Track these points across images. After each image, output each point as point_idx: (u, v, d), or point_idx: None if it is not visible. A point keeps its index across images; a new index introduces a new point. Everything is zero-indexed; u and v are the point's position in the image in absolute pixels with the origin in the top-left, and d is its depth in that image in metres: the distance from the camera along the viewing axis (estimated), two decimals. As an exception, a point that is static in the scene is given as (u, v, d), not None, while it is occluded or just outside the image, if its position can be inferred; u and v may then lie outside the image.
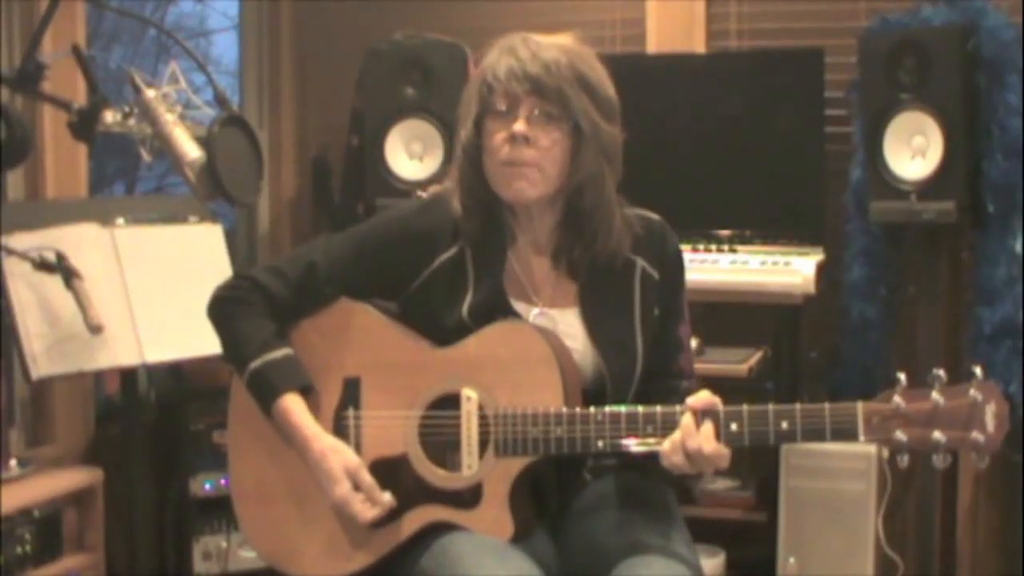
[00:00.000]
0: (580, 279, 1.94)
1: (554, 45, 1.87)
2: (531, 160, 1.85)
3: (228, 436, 2.05)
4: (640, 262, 1.96)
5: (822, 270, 3.17)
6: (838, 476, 3.02)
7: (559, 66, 1.83)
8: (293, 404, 1.92)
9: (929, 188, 2.95)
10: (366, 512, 1.87)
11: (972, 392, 1.70)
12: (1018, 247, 3.02)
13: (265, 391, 1.93)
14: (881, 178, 3.02)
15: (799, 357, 3.34)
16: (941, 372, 1.72)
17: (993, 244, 3.06)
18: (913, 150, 2.98)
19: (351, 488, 1.87)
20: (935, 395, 1.70)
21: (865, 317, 3.26)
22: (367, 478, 1.88)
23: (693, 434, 1.75)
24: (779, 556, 3.08)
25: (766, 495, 3.23)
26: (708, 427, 1.75)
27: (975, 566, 3.20)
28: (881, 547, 3.02)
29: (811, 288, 3.10)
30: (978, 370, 1.71)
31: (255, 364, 1.93)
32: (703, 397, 1.79)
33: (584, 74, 1.86)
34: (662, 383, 1.97)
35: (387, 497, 1.87)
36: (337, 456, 1.89)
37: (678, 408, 1.79)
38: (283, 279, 1.97)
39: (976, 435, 1.69)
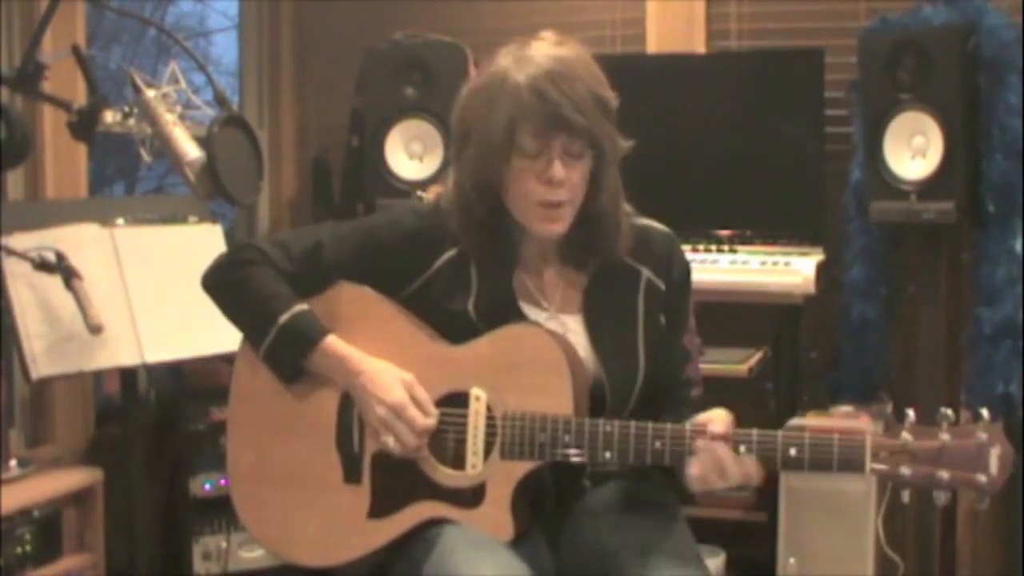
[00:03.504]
0: (587, 279, 1.94)
1: (574, 74, 1.81)
2: (566, 200, 1.85)
3: (229, 417, 2.03)
4: (646, 272, 1.96)
5: (822, 270, 3.17)
6: (838, 476, 3.01)
7: (585, 101, 1.80)
8: (338, 341, 1.92)
9: (929, 188, 2.95)
10: (418, 418, 1.85)
11: (979, 433, 1.71)
12: (1018, 247, 3.01)
13: (303, 336, 1.91)
14: (881, 178, 3.02)
15: (799, 357, 3.34)
16: (949, 411, 1.73)
17: (993, 244, 3.06)
18: (913, 150, 2.98)
19: (409, 397, 1.86)
20: (943, 435, 1.71)
21: (865, 317, 3.26)
22: (422, 392, 1.87)
23: (734, 463, 1.76)
24: (779, 556, 3.07)
25: (766, 495, 3.22)
26: (750, 460, 1.77)
27: (975, 566, 3.20)
28: (881, 547, 3.02)
29: (811, 288, 3.10)
30: (985, 412, 1.72)
31: (285, 317, 1.91)
32: (724, 419, 1.80)
33: (601, 96, 1.84)
34: (671, 393, 1.97)
35: (435, 413, 1.87)
36: (392, 372, 1.89)
37: (687, 425, 1.79)
38: (287, 253, 1.96)
39: (979, 476, 1.70)
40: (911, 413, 1.74)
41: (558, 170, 1.82)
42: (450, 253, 1.93)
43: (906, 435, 1.72)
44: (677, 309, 1.99)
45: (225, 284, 1.99)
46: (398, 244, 1.95)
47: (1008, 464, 1.71)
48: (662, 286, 1.96)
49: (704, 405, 1.90)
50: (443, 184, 2.00)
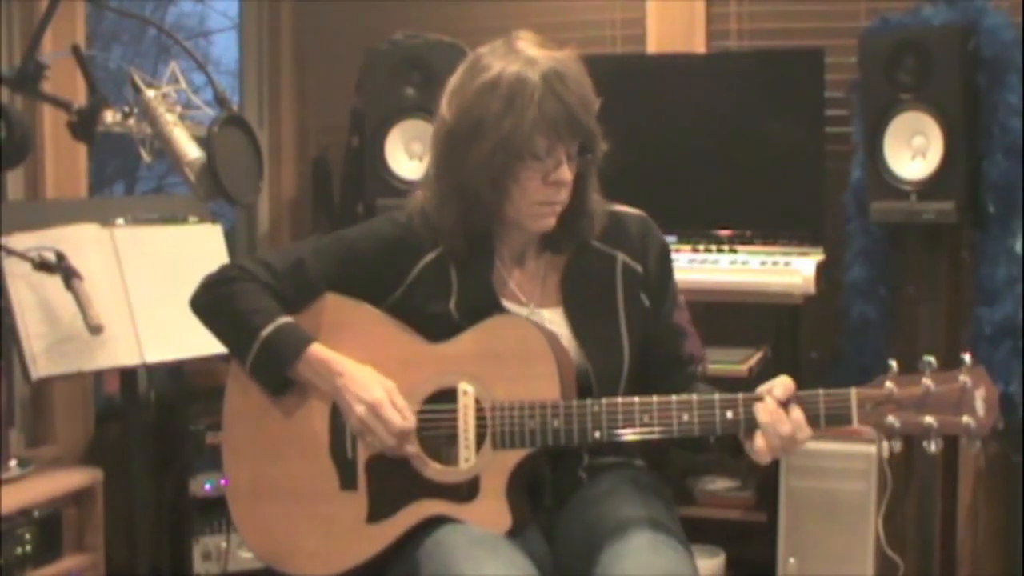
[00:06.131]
0: (563, 269, 1.96)
1: (574, 78, 1.84)
2: (564, 199, 1.89)
3: (223, 435, 2.04)
4: (621, 256, 1.98)
5: (822, 270, 3.17)
6: (838, 476, 3.02)
7: (587, 104, 1.84)
8: (321, 348, 1.93)
9: (929, 188, 2.95)
10: (395, 418, 1.86)
11: (962, 377, 1.73)
12: (1018, 247, 3.02)
13: (287, 347, 1.93)
14: (881, 178, 3.02)
15: (799, 357, 3.34)
16: (932, 359, 1.75)
17: (993, 244, 3.06)
18: (913, 150, 2.99)
19: (388, 398, 1.87)
20: (926, 380, 1.74)
21: (865, 317, 3.26)
22: (401, 399, 1.88)
23: (796, 428, 1.77)
24: (779, 556, 3.08)
25: (766, 495, 3.23)
26: (798, 412, 1.77)
27: (975, 566, 3.20)
28: (881, 547, 3.02)
29: (811, 288, 3.10)
30: (967, 356, 1.74)
31: (268, 330, 1.92)
32: (785, 383, 1.80)
33: (593, 99, 1.87)
34: (676, 373, 1.99)
35: (413, 418, 1.88)
36: (373, 374, 1.90)
37: (674, 398, 1.81)
38: (271, 270, 1.99)
39: (967, 420, 1.72)
40: (894, 364, 1.77)
41: (566, 173, 1.86)
42: (429, 257, 1.95)
43: (889, 384, 1.75)
44: (661, 288, 2.01)
45: (210, 303, 2.01)
46: (378, 254, 1.97)
47: (995, 405, 1.72)
48: (639, 268, 1.98)
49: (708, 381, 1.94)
50: (423, 188, 1.99)
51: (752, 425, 1.78)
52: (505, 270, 1.97)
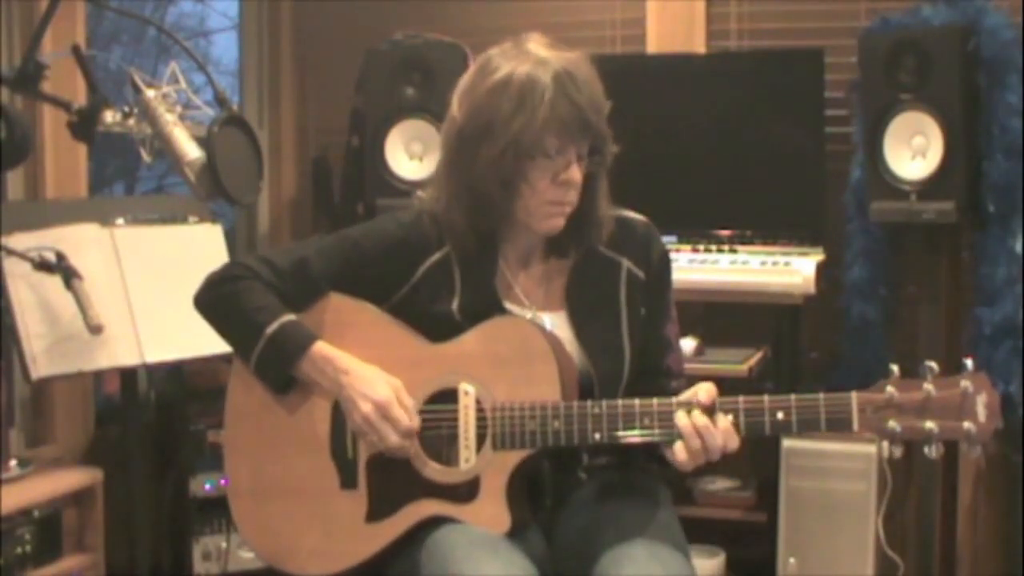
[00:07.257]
0: (568, 273, 1.96)
1: (586, 79, 1.85)
2: (573, 200, 1.89)
3: (225, 433, 2.04)
4: (626, 263, 1.98)
5: (822, 270, 3.17)
6: (838, 476, 3.02)
7: (598, 105, 1.85)
8: (326, 346, 1.92)
9: (929, 188, 2.95)
10: (403, 419, 1.86)
11: (963, 383, 1.72)
12: (1018, 247, 3.02)
13: (292, 345, 1.92)
14: (881, 178, 3.02)
15: (799, 357, 3.34)
16: (933, 364, 1.74)
17: (993, 244, 3.06)
18: (913, 150, 2.99)
19: (396, 397, 1.87)
20: (927, 385, 1.73)
21: (865, 317, 3.26)
22: (408, 398, 1.88)
23: (714, 431, 1.77)
24: (779, 556, 3.08)
25: (766, 495, 3.23)
26: (724, 421, 1.77)
27: (975, 566, 3.20)
28: (881, 547, 3.02)
29: (811, 288, 3.11)
30: (969, 361, 1.74)
31: (273, 327, 1.92)
32: (708, 389, 1.81)
33: (604, 101, 1.88)
34: (651, 382, 1.98)
35: (417, 419, 1.88)
36: (380, 374, 1.90)
37: (674, 400, 1.81)
38: (274, 268, 1.98)
39: (968, 425, 1.71)
40: (895, 369, 1.77)
41: (575, 173, 1.86)
42: (434, 257, 1.95)
43: (890, 389, 1.74)
44: (658, 297, 2.01)
45: (214, 301, 2.00)
46: (382, 253, 1.97)
47: (996, 411, 1.72)
48: (642, 275, 1.99)
49: None
50: (429, 189, 2.00)
51: (753, 433, 1.79)
52: (510, 272, 1.97)
